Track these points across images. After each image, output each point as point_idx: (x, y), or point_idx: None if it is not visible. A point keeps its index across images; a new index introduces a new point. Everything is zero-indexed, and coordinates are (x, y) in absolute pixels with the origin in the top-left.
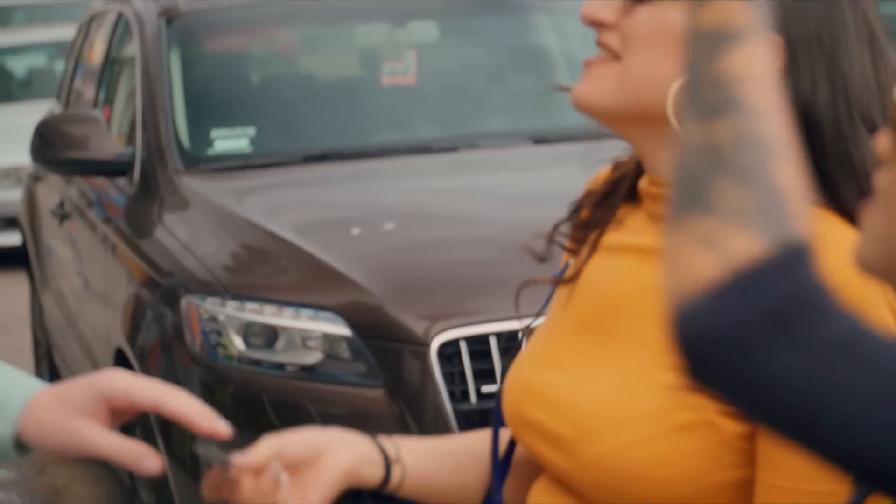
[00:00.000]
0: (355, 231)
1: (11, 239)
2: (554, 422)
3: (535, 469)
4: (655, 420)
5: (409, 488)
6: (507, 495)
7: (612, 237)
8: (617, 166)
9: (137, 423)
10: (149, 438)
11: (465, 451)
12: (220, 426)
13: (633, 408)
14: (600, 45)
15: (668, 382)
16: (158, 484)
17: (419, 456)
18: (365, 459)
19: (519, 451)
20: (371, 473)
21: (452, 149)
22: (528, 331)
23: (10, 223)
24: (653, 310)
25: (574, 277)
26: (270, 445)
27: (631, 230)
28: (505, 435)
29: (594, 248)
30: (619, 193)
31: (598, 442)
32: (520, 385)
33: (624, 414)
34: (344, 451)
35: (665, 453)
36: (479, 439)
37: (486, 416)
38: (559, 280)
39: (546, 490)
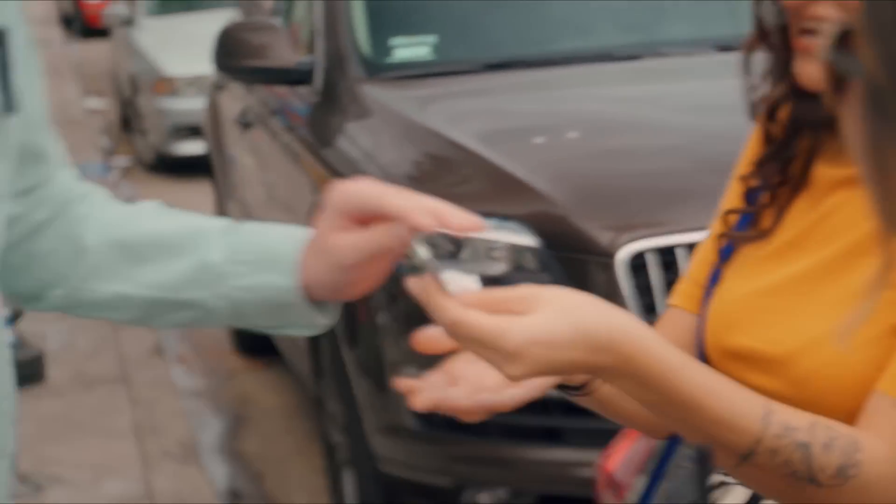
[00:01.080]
0: (539, 140)
1: (195, 148)
2: (764, 345)
3: None
4: (870, 324)
5: (601, 395)
6: None
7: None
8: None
9: (324, 334)
10: (334, 347)
11: None
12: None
13: (847, 317)
14: (812, 18)
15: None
16: (344, 393)
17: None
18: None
19: None
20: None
21: (635, 56)
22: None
23: (194, 132)
24: (863, 221)
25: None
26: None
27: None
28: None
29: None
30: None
31: (812, 355)
32: (724, 315)
33: (838, 324)
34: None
35: (882, 354)
36: None
37: None
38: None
39: None
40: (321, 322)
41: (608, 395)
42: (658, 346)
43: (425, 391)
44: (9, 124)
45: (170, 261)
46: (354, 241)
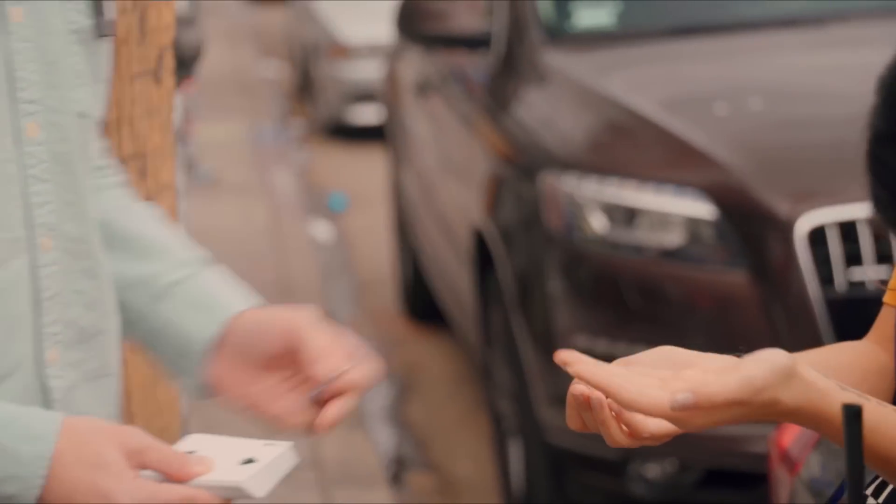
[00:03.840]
0: (719, 108)
1: (370, 114)
2: None
3: None
4: None
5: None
6: None
7: None
8: None
9: (494, 301)
10: (504, 316)
11: (841, 363)
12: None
13: None
14: None
15: None
16: (513, 362)
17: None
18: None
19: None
20: None
21: (820, 22)
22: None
23: (369, 98)
24: None
25: None
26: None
27: None
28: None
29: None
30: None
31: None
32: None
33: None
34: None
35: None
36: (851, 350)
37: (856, 305)
38: None
39: None
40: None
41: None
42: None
43: (584, 364)
44: (101, 48)
45: (135, 260)
46: (247, 401)
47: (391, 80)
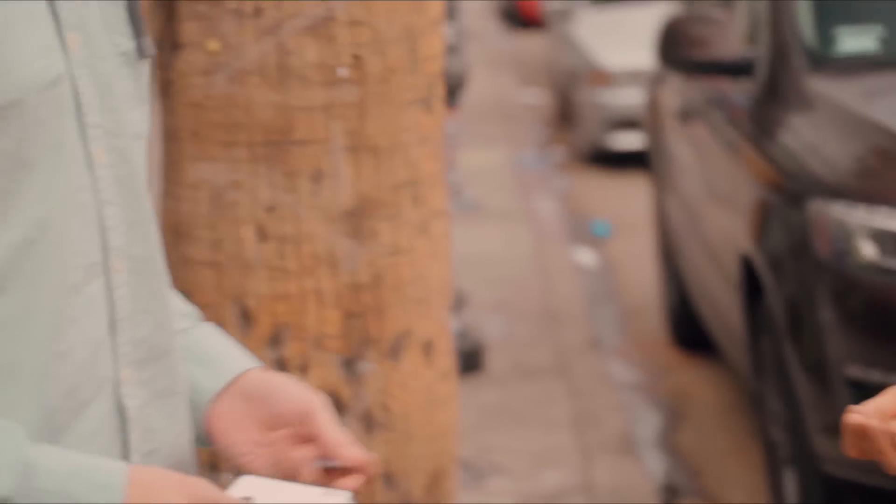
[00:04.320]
0: None
1: (631, 141)
2: None
3: None
4: None
5: None
6: None
7: None
8: None
9: (765, 330)
10: (776, 344)
11: None
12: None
13: None
14: None
15: None
16: (785, 390)
17: None
18: None
19: None
20: None
21: None
22: None
23: (630, 125)
24: None
25: None
26: None
27: None
28: None
29: None
30: None
31: None
32: None
33: None
34: None
35: None
36: None
37: None
38: None
39: None
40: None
41: None
42: None
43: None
44: (143, 69)
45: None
46: (250, 456)
47: (653, 106)
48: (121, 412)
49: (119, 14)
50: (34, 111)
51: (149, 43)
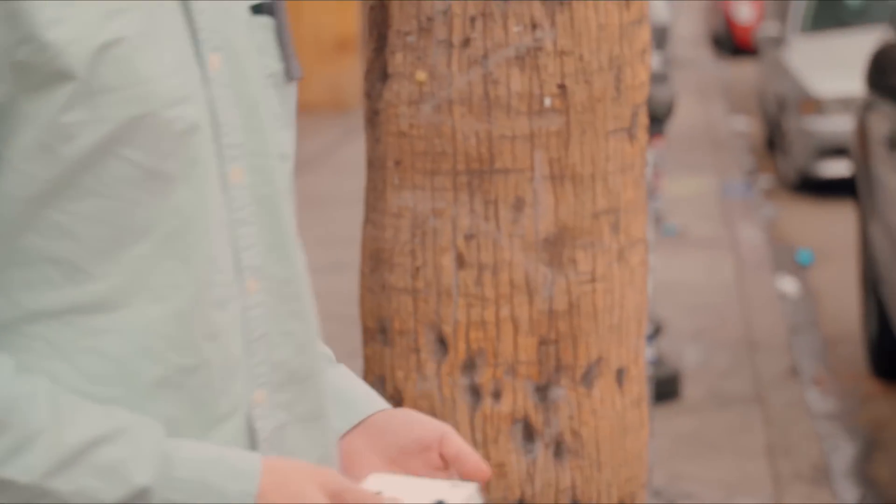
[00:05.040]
0: None
1: (840, 169)
2: None
3: None
4: None
5: None
6: None
7: None
8: None
9: None
10: None
11: None
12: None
13: None
14: None
15: None
16: None
17: None
18: None
19: None
20: None
21: None
22: None
23: (840, 153)
24: None
25: None
26: None
27: None
28: None
29: None
30: None
31: None
32: None
33: None
34: None
35: None
36: None
37: None
38: None
39: None
40: None
41: None
42: None
43: None
44: (290, 91)
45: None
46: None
47: (861, 133)
48: (251, 434)
49: (268, 36)
50: (167, 126)
51: (297, 66)
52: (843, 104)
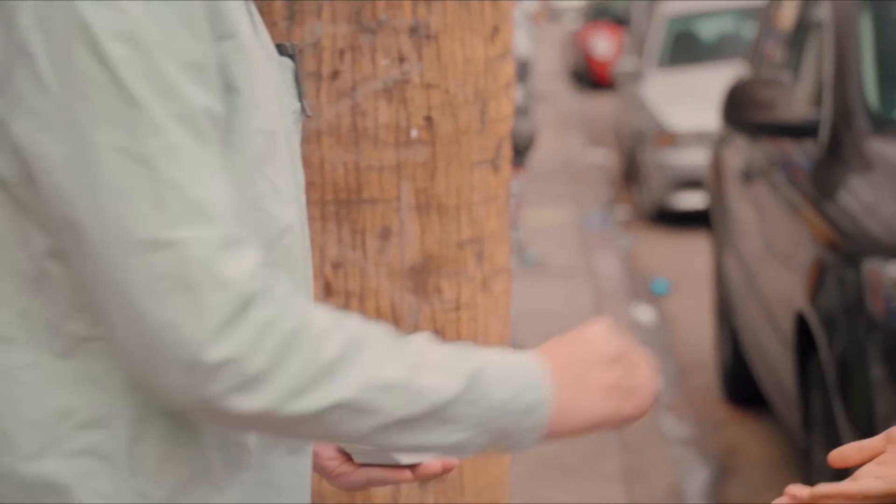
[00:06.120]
0: None
1: (695, 201)
2: None
3: None
4: None
5: None
6: None
7: None
8: None
9: (816, 384)
10: (825, 399)
11: None
12: None
13: None
14: None
15: None
16: (832, 445)
17: None
18: None
19: None
20: None
21: None
22: None
23: (694, 185)
24: None
25: None
26: (887, 432)
27: None
28: None
29: None
30: None
31: None
32: None
33: None
34: None
35: None
36: None
37: None
38: None
39: None
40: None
41: None
42: None
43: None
44: (300, 128)
45: None
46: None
47: (716, 166)
48: None
49: (288, 76)
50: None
51: (307, 105)
52: (698, 138)
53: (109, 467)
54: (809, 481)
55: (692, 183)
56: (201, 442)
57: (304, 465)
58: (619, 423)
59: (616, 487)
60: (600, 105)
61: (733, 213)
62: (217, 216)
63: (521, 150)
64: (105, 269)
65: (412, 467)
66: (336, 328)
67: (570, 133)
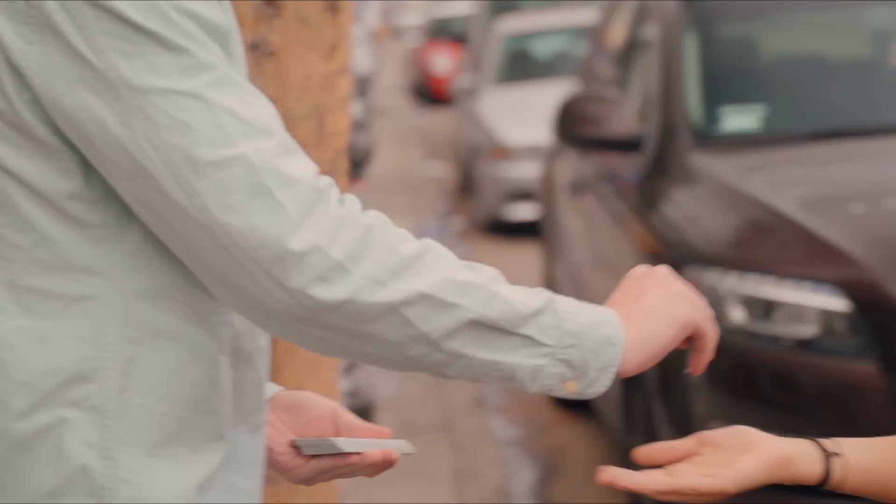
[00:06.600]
0: (855, 207)
1: (527, 212)
2: None
3: None
4: None
5: (855, 484)
6: None
7: None
8: None
9: (636, 388)
10: (646, 401)
11: None
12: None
13: None
14: None
15: None
16: None
17: (863, 450)
18: (801, 452)
19: None
20: (808, 469)
21: None
22: None
23: (527, 197)
24: None
25: None
26: (698, 435)
27: None
28: None
29: None
30: None
31: None
32: None
33: None
34: (778, 441)
35: None
36: None
37: None
38: None
39: None
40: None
41: (867, 488)
42: None
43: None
44: None
45: None
46: (287, 455)
47: (547, 179)
48: None
49: None
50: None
51: None
52: (531, 152)
53: (97, 417)
54: None
55: (524, 195)
56: (183, 404)
57: (261, 442)
58: (688, 331)
59: (446, 488)
60: (439, 120)
61: (563, 223)
62: (270, 129)
63: (358, 163)
64: (182, 203)
65: (359, 455)
66: (410, 235)
67: (409, 147)
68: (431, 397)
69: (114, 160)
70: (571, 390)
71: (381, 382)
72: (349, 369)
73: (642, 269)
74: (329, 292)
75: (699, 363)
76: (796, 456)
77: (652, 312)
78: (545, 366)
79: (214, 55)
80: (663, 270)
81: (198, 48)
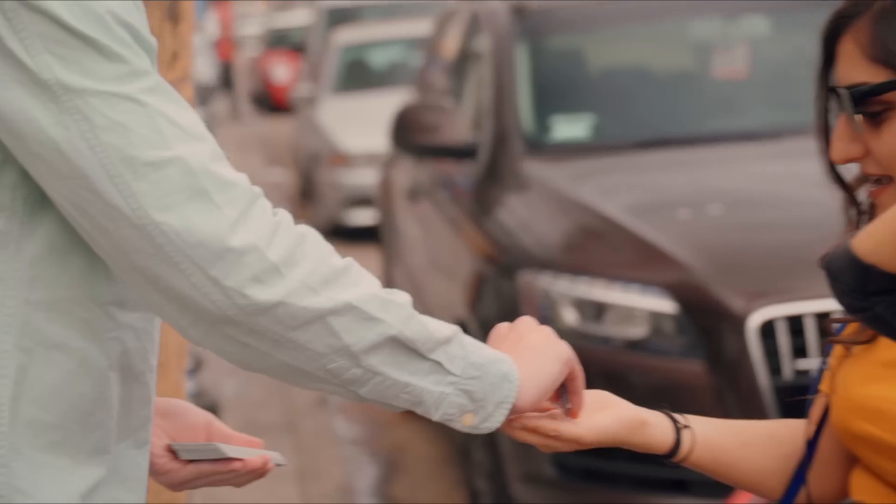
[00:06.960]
0: (682, 213)
1: (366, 217)
2: (887, 434)
3: (838, 463)
4: None
5: (698, 458)
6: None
7: None
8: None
9: None
10: None
11: (758, 430)
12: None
13: None
14: (867, 175)
15: None
16: (489, 443)
17: (710, 426)
18: (655, 420)
19: (824, 442)
20: (660, 437)
21: (777, 136)
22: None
23: (366, 203)
24: None
25: None
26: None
27: None
28: (802, 424)
29: None
30: None
31: None
32: (847, 402)
33: None
34: (635, 406)
35: None
36: (774, 423)
37: (801, 391)
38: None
39: (874, 490)
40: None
41: (707, 462)
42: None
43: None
44: None
45: None
46: (164, 458)
47: (385, 185)
48: None
49: None
50: None
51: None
52: (369, 159)
53: None
54: (469, 477)
55: (363, 201)
56: (69, 416)
57: (145, 459)
58: (569, 366)
59: (290, 487)
60: (279, 127)
61: (401, 229)
62: (203, 135)
63: None
64: (116, 203)
65: (241, 461)
66: (334, 250)
67: (250, 154)
68: (275, 397)
69: (47, 160)
70: (469, 423)
71: (225, 383)
72: (193, 370)
73: (506, 324)
74: (263, 293)
75: (578, 404)
76: (651, 422)
77: (537, 351)
78: (449, 394)
79: (146, 65)
80: (528, 319)
81: (132, 56)
